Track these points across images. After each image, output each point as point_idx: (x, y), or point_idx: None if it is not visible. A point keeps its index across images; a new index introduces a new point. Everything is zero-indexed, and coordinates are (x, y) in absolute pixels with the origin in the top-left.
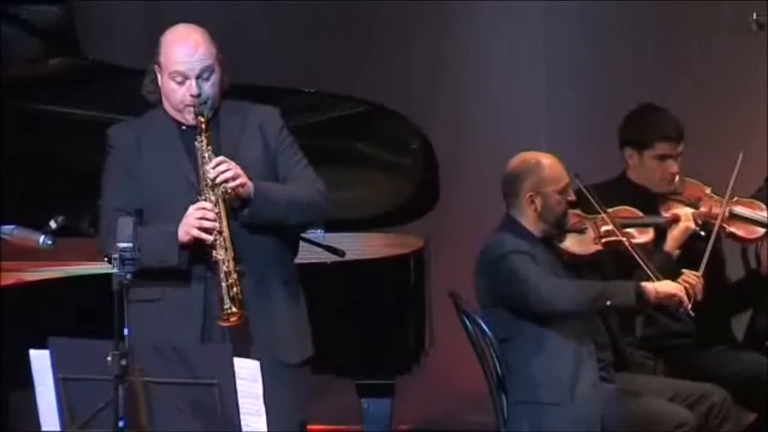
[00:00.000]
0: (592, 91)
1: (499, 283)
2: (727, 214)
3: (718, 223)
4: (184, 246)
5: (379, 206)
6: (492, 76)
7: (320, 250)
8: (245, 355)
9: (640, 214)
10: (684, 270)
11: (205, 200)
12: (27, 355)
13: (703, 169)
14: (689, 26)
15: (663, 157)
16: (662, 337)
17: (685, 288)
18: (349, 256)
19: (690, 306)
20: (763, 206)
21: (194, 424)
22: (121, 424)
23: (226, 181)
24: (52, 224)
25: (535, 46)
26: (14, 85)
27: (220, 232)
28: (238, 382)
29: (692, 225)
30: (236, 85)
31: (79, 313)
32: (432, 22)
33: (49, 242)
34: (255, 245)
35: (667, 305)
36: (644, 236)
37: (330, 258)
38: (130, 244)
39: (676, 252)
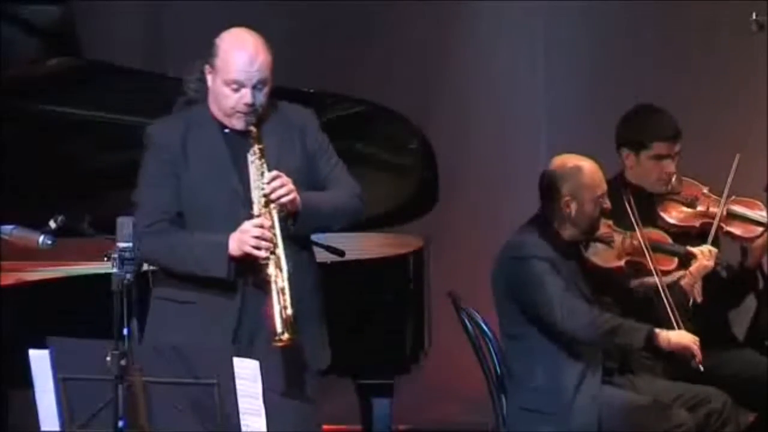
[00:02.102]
0: (592, 91)
1: (516, 283)
2: (725, 213)
3: (715, 224)
4: (232, 259)
5: (379, 206)
6: (492, 76)
7: (320, 249)
8: (276, 362)
9: (669, 240)
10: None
11: (259, 215)
12: (27, 355)
13: (703, 168)
14: (689, 26)
15: (660, 157)
16: None
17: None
18: (348, 256)
19: (697, 356)
20: (761, 205)
21: (194, 424)
22: (120, 424)
23: (280, 197)
24: (52, 224)
25: (535, 46)
26: (14, 85)
27: (273, 252)
28: (238, 381)
29: (710, 264)
30: None
31: (79, 313)
32: (432, 22)
33: (49, 242)
34: (288, 253)
35: (680, 355)
36: (668, 265)
37: (330, 258)
38: (130, 244)
39: (694, 289)
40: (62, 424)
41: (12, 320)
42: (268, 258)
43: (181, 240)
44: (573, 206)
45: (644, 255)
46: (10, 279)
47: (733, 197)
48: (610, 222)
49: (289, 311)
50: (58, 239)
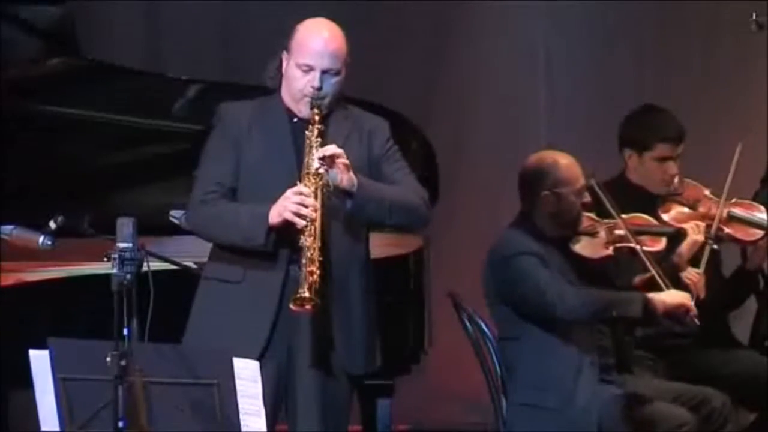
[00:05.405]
0: (592, 91)
1: (506, 282)
2: (725, 216)
3: (715, 225)
4: (272, 228)
5: None
6: (492, 76)
7: None
8: (308, 356)
9: (653, 221)
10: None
11: (305, 186)
12: (27, 355)
13: (703, 169)
14: (689, 26)
15: (663, 159)
16: (662, 337)
17: (689, 287)
18: None
19: (694, 305)
20: (762, 208)
21: (194, 425)
22: (121, 424)
23: (332, 156)
24: (52, 224)
25: (536, 46)
26: (14, 85)
27: (313, 221)
28: (238, 382)
29: (700, 239)
30: (237, 85)
31: (79, 313)
32: (433, 22)
33: (49, 242)
34: (344, 251)
35: (675, 315)
36: (656, 245)
37: None
38: (130, 245)
39: (686, 264)
40: (62, 424)
41: (12, 320)
42: (306, 227)
43: (228, 209)
44: (553, 201)
45: (630, 241)
46: (10, 279)
47: (734, 200)
48: (592, 214)
49: (316, 277)
50: (57, 239)
